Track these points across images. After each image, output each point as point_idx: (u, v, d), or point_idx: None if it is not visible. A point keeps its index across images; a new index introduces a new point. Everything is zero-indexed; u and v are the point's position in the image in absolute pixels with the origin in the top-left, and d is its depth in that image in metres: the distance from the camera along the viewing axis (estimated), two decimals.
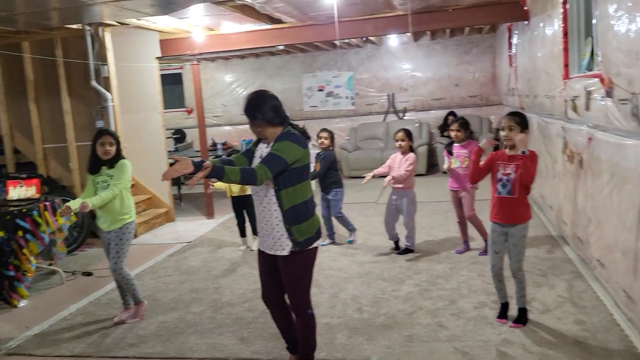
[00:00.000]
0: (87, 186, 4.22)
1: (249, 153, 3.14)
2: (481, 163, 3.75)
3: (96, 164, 4.13)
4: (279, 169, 2.86)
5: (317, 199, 3.81)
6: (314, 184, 5.24)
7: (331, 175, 5.83)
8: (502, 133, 3.62)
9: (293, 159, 2.89)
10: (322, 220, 5.79)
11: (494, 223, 3.69)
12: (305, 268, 3.06)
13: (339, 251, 5.72)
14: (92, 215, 4.83)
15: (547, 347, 3.35)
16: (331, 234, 6.05)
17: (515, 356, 3.28)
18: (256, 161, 3.04)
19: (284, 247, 2.98)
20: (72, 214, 5.49)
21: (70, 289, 5.22)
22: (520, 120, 3.58)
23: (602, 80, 3.81)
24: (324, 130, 5.93)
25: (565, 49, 5.08)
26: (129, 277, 4.24)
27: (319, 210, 4.42)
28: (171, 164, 2.91)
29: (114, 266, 4.15)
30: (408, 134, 5.37)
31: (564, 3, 5.05)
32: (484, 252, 5.21)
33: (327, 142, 5.82)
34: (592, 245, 4.34)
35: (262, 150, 3.05)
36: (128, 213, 4.17)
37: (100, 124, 6.92)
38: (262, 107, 2.94)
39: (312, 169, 5.47)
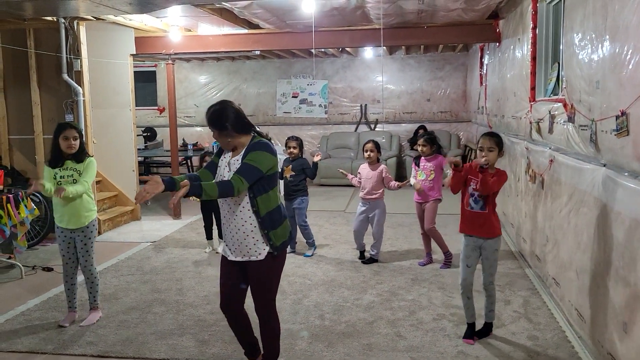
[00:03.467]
0: (46, 179, 4.02)
1: (212, 166, 3.13)
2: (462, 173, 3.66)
3: (58, 158, 4.01)
4: (255, 178, 2.90)
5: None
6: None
7: (299, 182, 5.80)
8: (480, 154, 3.59)
9: (267, 168, 2.94)
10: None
11: (467, 236, 3.68)
12: (278, 271, 3.13)
13: (304, 258, 5.76)
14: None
15: None
16: (292, 243, 6.00)
17: None
18: (222, 171, 3.04)
19: (259, 252, 3.01)
20: (35, 208, 5.41)
21: (29, 284, 5.13)
22: (498, 141, 3.59)
23: (565, 106, 3.97)
24: (293, 138, 5.84)
25: (533, 73, 5.25)
26: (97, 276, 4.22)
27: None
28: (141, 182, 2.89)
29: (85, 264, 4.10)
30: (377, 146, 5.53)
31: (534, 28, 5.23)
32: (445, 265, 5.34)
33: (296, 151, 5.76)
34: (549, 263, 4.49)
35: (229, 160, 3.03)
36: (93, 209, 4.13)
37: (69, 117, 6.82)
38: (230, 118, 2.96)
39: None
